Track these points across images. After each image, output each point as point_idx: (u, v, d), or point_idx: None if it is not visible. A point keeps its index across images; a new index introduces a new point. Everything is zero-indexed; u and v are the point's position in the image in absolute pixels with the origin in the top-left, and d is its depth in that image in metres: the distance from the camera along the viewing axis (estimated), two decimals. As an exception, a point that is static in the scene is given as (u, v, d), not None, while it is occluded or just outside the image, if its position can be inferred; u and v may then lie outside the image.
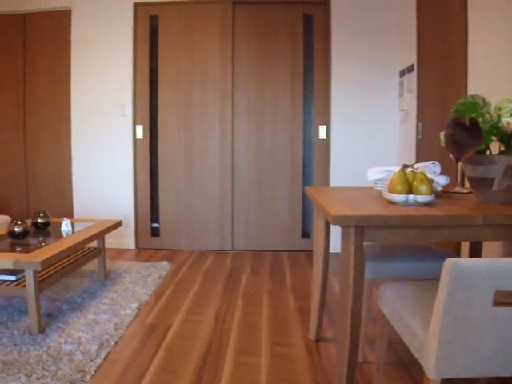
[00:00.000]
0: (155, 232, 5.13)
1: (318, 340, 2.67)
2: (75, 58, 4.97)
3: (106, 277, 3.80)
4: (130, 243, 5.06)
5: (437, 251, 2.34)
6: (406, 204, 1.80)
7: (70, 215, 5.09)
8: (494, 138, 1.85)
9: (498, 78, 2.65)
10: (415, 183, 1.81)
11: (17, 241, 3.18)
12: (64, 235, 3.35)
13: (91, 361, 2.35)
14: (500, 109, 1.83)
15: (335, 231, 2.52)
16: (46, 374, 2.18)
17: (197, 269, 4.23)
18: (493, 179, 1.83)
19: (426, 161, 2.25)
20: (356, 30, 4.70)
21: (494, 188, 1.84)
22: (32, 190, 5.21)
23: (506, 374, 1.35)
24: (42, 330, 2.70)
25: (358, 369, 2.30)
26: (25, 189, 5.22)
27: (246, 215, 5.00)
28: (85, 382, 2.14)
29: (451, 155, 1.85)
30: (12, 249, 2.96)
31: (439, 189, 2.08)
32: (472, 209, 1.74)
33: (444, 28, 3.42)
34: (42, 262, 2.58)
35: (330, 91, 4.79)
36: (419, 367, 2.26)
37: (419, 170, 1.95)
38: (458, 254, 2.97)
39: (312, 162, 4.94)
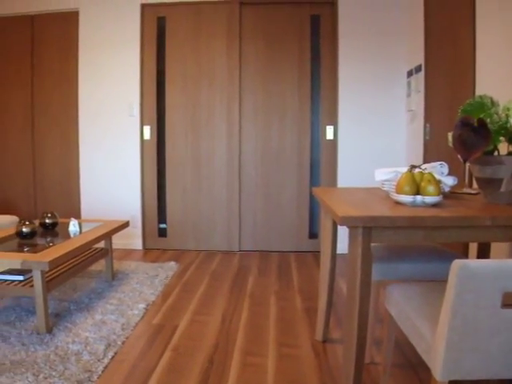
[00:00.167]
0: (162, 232, 5.14)
1: (324, 341, 2.66)
2: (83, 58, 4.99)
3: (114, 277, 3.81)
4: (137, 244, 5.08)
5: (444, 252, 2.33)
6: (413, 205, 1.80)
7: (78, 216, 5.11)
8: (502, 138, 1.84)
9: (506, 78, 2.64)
10: (423, 184, 1.81)
11: (25, 241, 3.20)
12: (71, 235, 3.36)
13: (98, 361, 2.35)
14: (508, 109, 1.82)
15: (343, 232, 2.52)
16: (54, 373, 2.19)
17: (204, 269, 4.23)
18: (501, 180, 1.82)
19: (434, 161, 2.24)
20: (363, 30, 4.69)
21: (503, 189, 1.83)
22: (40, 191, 5.24)
23: (515, 376, 1.34)
24: (49, 330, 2.71)
25: (365, 370, 2.29)
26: (33, 189, 5.25)
27: (253, 216, 5.00)
28: (92, 381, 2.15)
29: (459, 156, 1.84)
30: (20, 249, 2.97)
31: (447, 189, 2.08)
32: (480, 210, 1.73)
33: (452, 28, 3.40)
34: (50, 262, 2.59)
35: (337, 92, 4.78)
36: (426, 369, 2.25)
37: (427, 171, 1.94)
38: (465, 255, 2.95)
39: (319, 162, 4.94)
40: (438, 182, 1.84)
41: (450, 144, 1.95)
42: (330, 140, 4.87)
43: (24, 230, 3.22)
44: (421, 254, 2.30)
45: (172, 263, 4.36)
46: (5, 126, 5.22)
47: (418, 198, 1.78)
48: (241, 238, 5.02)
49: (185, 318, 3.01)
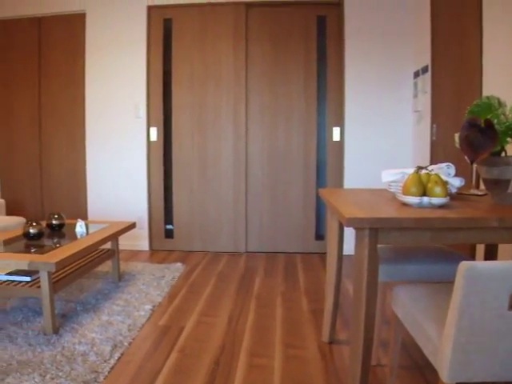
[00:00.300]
0: (169, 234, 5.15)
1: (331, 342, 2.66)
2: (89, 60, 5.01)
3: (120, 278, 3.81)
4: (143, 245, 5.09)
5: (451, 253, 2.33)
6: (420, 206, 1.79)
7: (85, 217, 5.13)
8: (509, 139, 1.83)
9: (513, 79, 2.63)
10: (430, 185, 1.80)
11: (32, 242, 3.21)
12: (78, 237, 3.37)
13: (105, 361, 2.36)
14: (516, 110, 1.81)
15: (349, 233, 2.51)
16: (60, 374, 2.20)
17: (210, 270, 4.24)
18: (508, 181, 1.82)
19: (441, 162, 2.23)
20: (369, 31, 4.68)
21: (510, 190, 1.83)
22: (47, 192, 5.26)
23: (522, 379, 1.33)
24: (56, 331, 2.71)
25: (372, 372, 2.29)
26: (39, 190, 5.27)
27: (259, 217, 5.00)
28: (98, 382, 2.15)
29: (466, 157, 1.84)
30: (27, 250, 2.98)
31: (454, 191, 2.07)
32: (487, 211, 1.73)
33: (459, 28, 3.39)
34: (57, 263, 2.60)
35: (343, 93, 4.77)
36: (433, 370, 2.25)
37: (434, 172, 1.94)
38: (472, 257, 2.94)
39: (326, 163, 4.93)
40: (445, 183, 1.83)
41: (457, 145, 1.94)
42: (336, 141, 4.86)
43: (31, 231, 3.23)
44: (427, 256, 2.29)
45: (178, 264, 4.36)
46: (12, 127, 5.25)
47: (425, 199, 1.77)
48: (247, 240, 5.02)
49: (191, 320, 3.01)
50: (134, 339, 2.68)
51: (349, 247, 3.21)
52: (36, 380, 2.13)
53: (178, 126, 5.01)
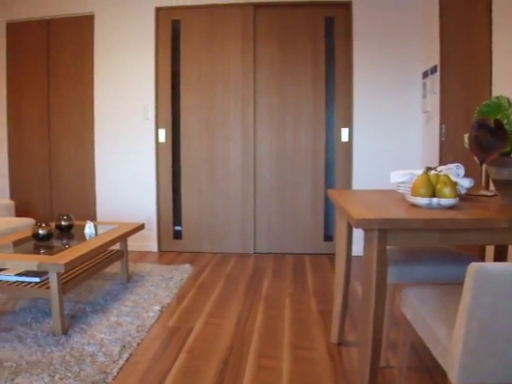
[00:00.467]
0: (177, 235, 5.16)
1: (339, 344, 2.65)
2: (98, 62, 5.03)
3: (129, 279, 3.82)
4: (152, 246, 5.10)
5: (460, 255, 2.31)
6: (429, 207, 1.78)
7: (93, 218, 5.15)
8: (519, 139, 1.82)
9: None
10: (439, 186, 1.79)
11: (41, 243, 3.22)
12: (87, 238, 3.38)
13: (113, 362, 2.36)
14: (526, 110, 1.80)
15: (358, 234, 2.50)
16: (69, 374, 2.21)
17: (219, 271, 4.24)
18: (518, 182, 1.80)
19: (450, 163, 2.22)
20: (378, 31, 4.67)
21: (520, 191, 1.81)
22: (56, 193, 5.28)
23: (533, 381, 1.32)
24: (65, 332, 2.72)
25: (381, 373, 2.28)
26: (49, 192, 5.29)
27: (268, 218, 5.00)
28: (107, 383, 2.15)
29: (475, 157, 1.83)
30: (36, 251, 3.00)
31: (463, 192, 2.06)
32: (497, 212, 1.71)
33: (468, 28, 3.38)
34: (66, 264, 2.61)
35: (352, 93, 4.76)
36: (442, 372, 2.24)
37: (443, 173, 1.93)
38: (482, 258, 2.93)
39: (334, 164, 4.92)
40: (454, 184, 1.82)
41: (466, 145, 1.93)
42: (344, 142, 4.85)
43: (40, 232, 3.24)
44: (436, 257, 2.28)
45: (187, 265, 4.37)
46: (21, 129, 5.28)
47: (434, 200, 1.77)
48: (256, 241, 5.02)
49: (200, 321, 3.02)
50: (142, 340, 2.69)
51: (357, 248, 3.20)
52: (45, 380, 2.14)
53: (186, 128, 5.02)
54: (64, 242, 3.29)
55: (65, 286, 2.80)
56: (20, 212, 5.25)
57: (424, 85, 4.50)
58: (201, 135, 5.00)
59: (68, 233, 3.58)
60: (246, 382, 2.20)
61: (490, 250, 2.80)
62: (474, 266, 1.23)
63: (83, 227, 3.63)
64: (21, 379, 2.14)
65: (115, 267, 4.13)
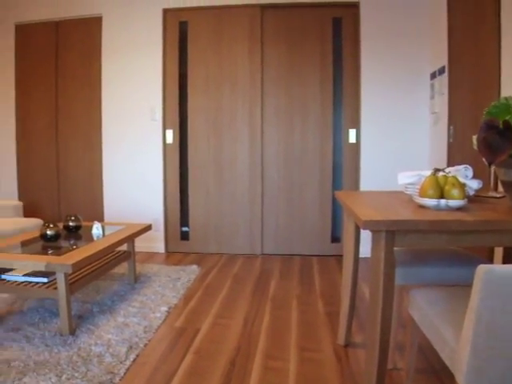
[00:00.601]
0: (185, 236, 5.16)
1: (347, 345, 2.64)
2: (106, 63, 5.05)
3: (136, 280, 3.83)
4: (159, 247, 5.10)
5: (469, 256, 2.30)
6: (437, 208, 1.77)
7: (101, 219, 5.16)
8: (528, 141, 1.81)
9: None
10: (447, 187, 1.78)
11: (49, 244, 3.23)
12: (95, 238, 3.39)
13: (120, 363, 2.37)
14: (535, 111, 1.79)
15: (365, 236, 2.50)
16: (76, 374, 2.21)
17: (226, 273, 4.24)
18: (527, 183, 1.79)
19: (458, 164, 2.21)
20: (386, 32, 4.66)
21: (529, 192, 1.80)
22: (63, 194, 5.30)
23: (542, 384, 1.31)
24: (72, 332, 2.73)
25: (388, 375, 2.27)
26: (56, 192, 5.31)
27: (275, 219, 5.00)
28: (114, 383, 2.16)
29: (484, 159, 1.82)
30: (44, 251, 3.01)
31: (472, 193, 2.05)
32: (505, 214, 1.70)
33: (476, 28, 3.36)
34: (73, 265, 2.62)
35: (359, 94, 4.75)
36: (450, 375, 2.23)
37: (451, 174, 1.92)
38: (490, 260, 2.91)
39: (342, 166, 4.91)
40: (463, 186, 1.81)
41: (475, 147, 1.92)
42: (352, 143, 4.84)
43: (48, 232, 3.25)
44: (444, 259, 2.27)
45: (194, 266, 4.37)
46: (29, 130, 5.30)
47: (442, 201, 1.76)
48: (263, 242, 5.02)
49: (207, 321, 3.02)
50: (149, 341, 2.69)
51: (365, 250, 3.19)
52: (52, 380, 2.14)
53: (193, 129, 5.02)
54: (72, 242, 3.30)
55: (72, 286, 2.81)
56: (28, 213, 5.27)
57: (432, 86, 4.48)
58: (208, 136, 5.00)
59: (76, 233, 3.59)
60: (252, 383, 2.20)
61: (498, 252, 2.79)
62: (482, 268, 1.22)
63: (91, 228, 3.64)
64: (28, 379, 2.15)
65: (122, 268, 4.14)
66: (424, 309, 1.68)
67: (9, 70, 5.27)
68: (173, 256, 4.93)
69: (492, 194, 2.24)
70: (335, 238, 4.99)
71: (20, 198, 5.36)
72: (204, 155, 5.02)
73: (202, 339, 2.73)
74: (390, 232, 1.62)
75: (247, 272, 4.26)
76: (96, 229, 3.58)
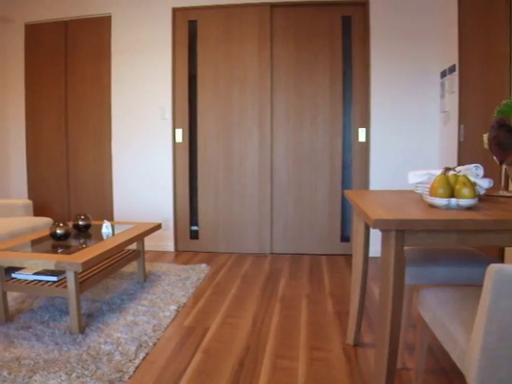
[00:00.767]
0: (194, 235, 5.17)
1: (356, 345, 2.63)
2: (115, 62, 5.06)
3: (145, 279, 3.84)
4: (169, 246, 5.11)
5: (479, 256, 2.29)
6: (447, 208, 1.76)
7: (110, 218, 5.18)
8: (540, 139, 1.79)
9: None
10: (457, 186, 1.77)
11: (58, 242, 3.24)
12: (104, 237, 3.40)
13: (130, 361, 2.37)
14: (547, 110, 1.77)
15: (375, 235, 2.49)
16: (86, 373, 2.22)
17: (235, 272, 4.24)
18: (539, 182, 1.78)
19: (469, 163, 2.19)
20: (395, 31, 4.64)
21: (541, 191, 1.78)
22: (73, 193, 5.32)
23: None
24: (82, 330, 2.74)
25: (397, 375, 2.26)
26: (66, 192, 5.33)
27: (284, 219, 4.99)
28: (123, 382, 2.16)
29: (495, 157, 1.80)
30: (54, 250, 3.02)
31: (482, 192, 2.03)
32: (517, 213, 1.69)
33: (487, 26, 3.34)
34: (83, 264, 2.63)
35: (369, 93, 4.73)
36: (460, 375, 2.21)
37: (461, 173, 1.90)
38: (501, 260, 2.89)
39: (351, 165, 4.90)
40: (473, 185, 1.80)
41: (486, 145, 1.91)
42: (362, 142, 4.82)
43: (58, 231, 3.27)
44: (454, 258, 2.25)
45: (203, 265, 4.37)
46: (39, 129, 5.33)
47: (453, 200, 1.74)
48: (272, 241, 5.01)
49: (216, 321, 3.02)
50: (158, 339, 2.69)
51: (374, 249, 3.18)
52: (62, 378, 2.15)
53: (203, 128, 5.02)
54: (81, 241, 3.31)
55: (82, 285, 2.82)
56: (38, 212, 5.31)
57: (442, 84, 4.45)
58: (218, 135, 5.00)
59: (85, 232, 3.60)
60: (261, 383, 2.20)
61: (509, 252, 2.77)
62: (493, 268, 1.21)
63: (100, 227, 3.65)
64: (38, 377, 2.16)
65: (132, 267, 4.15)
66: (434, 309, 1.67)
67: (19, 69, 5.30)
68: (182, 255, 4.94)
69: (503, 193, 2.23)
70: (344, 238, 4.98)
71: (30, 197, 5.39)
72: (213, 154, 5.02)
73: (210, 338, 2.73)
74: (400, 231, 1.61)
75: (256, 271, 4.26)
76: (105, 228, 3.59)
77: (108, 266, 3.27)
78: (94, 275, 3.02)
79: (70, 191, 5.33)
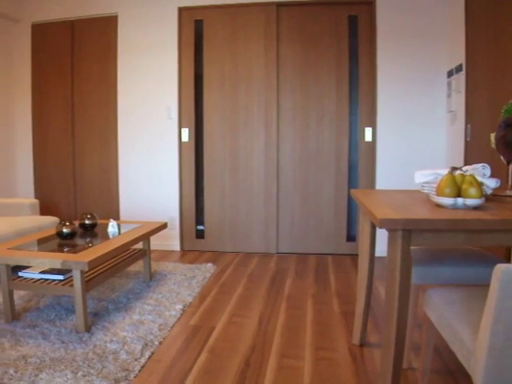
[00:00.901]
0: (200, 234, 5.17)
1: (362, 345, 2.63)
2: (121, 62, 5.07)
3: (151, 278, 3.84)
4: (175, 245, 5.12)
5: (486, 256, 2.28)
6: (454, 207, 1.76)
7: (117, 217, 5.19)
8: (547, 139, 1.78)
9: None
10: (464, 186, 1.76)
11: (65, 241, 3.25)
12: (110, 236, 3.41)
13: (135, 360, 2.38)
14: (554, 109, 1.76)
15: (381, 235, 2.48)
16: (92, 371, 2.22)
17: (241, 271, 4.24)
18: (546, 182, 1.77)
19: (476, 163, 2.19)
20: (402, 30, 4.62)
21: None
22: (79, 192, 5.34)
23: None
24: (88, 329, 2.75)
25: (403, 375, 2.25)
26: (73, 191, 5.35)
27: (290, 218, 4.99)
28: (129, 380, 2.17)
29: (502, 157, 1.79)
30: (60, 249, 3.02)
31: (489, 192, 2.02)
32: (524, 213, 1.68)
33: (494, 26, 3.32)
34: (89, 263, 2.63)
35: (375, 93, 4.72)
36: (466, 375, 2.21)
37: (468, 173, 1.90)
38: (508, 260, 2.88)
39: (357, 164, 4.89)
40: (480, 184, 1.79)
41: (493, 145, 1.90)
42: (368, 142, 4.81)
43: (64, 230, 3.28)
44: (461, 258, 2.24)
45: (209, 265, 4.37)
46: (46, 129, 5.35)
47: (459, 200, 1.74)
48: (278, 240, 5.01)
49: (222, 320, 3.02)
50: (164, 338, 2.70)
51: (381, 249, 3.17)
52: (68, 377, 2.16)
53: (209, 127, 5.03)
54: (87, 240, 3.32)
55: (88, 283, 2.83)
56: (44, 211, 5.32)
57: (449, 84, 4.44)
58: (224, 135, 5.00)
59: (91, 231, 3.61)
60: (267, 382, 2.20)
61: (516, 252, 2.75)
62: (500, 268, 1.20)
63: (106, 226, 3.66)
64: (44, 375, 2.17)
65: (138, 266, 4.16)
66: (441, 309, 1.66)
67: (25, 69, 5.32)
68: (188, 254, 4.94)
69: (510, 192, 2.22)
70: (351, 237, 4.97)
71: (36, 196, 5.41)
72: (219, 154, 5.03)
73: (216, 337, 2.73)
74: (406, 231, 1.60)
75: (262, 271, 4.26)
76: (112, 227, 3.59)
77: (114, 265, 3.28)
78: (100, 274, 3.03)
79: (76, 190, 5.35)
